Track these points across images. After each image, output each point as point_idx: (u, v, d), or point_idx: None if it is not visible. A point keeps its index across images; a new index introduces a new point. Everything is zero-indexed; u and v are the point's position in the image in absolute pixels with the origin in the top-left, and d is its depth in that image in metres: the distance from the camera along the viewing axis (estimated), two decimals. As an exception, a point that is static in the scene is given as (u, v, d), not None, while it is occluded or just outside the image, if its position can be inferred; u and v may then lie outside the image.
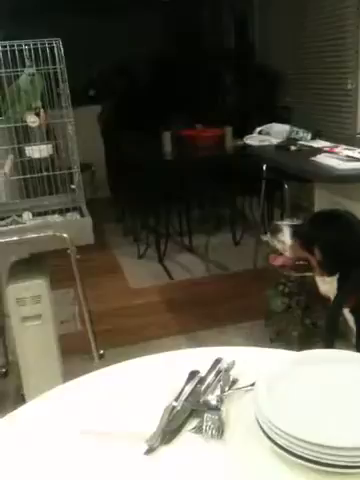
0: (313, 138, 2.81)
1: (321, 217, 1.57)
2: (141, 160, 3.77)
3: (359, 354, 0.98)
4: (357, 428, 0.73)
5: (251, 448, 0.76)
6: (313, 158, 2.32)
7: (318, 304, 2.42)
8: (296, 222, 1.62)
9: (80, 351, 2.33)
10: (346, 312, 1.45)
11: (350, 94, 4.03)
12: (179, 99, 6.52)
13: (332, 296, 1.47)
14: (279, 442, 0.72)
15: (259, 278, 3.00)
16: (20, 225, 1.97)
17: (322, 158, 2.29)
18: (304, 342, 2.42)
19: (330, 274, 1.46)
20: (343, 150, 2.38)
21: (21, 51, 1.79)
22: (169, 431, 0.80)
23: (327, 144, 2.60)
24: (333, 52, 4.20)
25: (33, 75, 1.79)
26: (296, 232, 1.53)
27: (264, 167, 3.27)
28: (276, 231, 1.55)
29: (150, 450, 0.77)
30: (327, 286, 1.49)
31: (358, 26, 3.83)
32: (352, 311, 1.43)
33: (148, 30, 7.43)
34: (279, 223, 1.60)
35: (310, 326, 2.45)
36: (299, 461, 0.70)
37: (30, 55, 1.79)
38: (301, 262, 1.54)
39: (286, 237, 1.53)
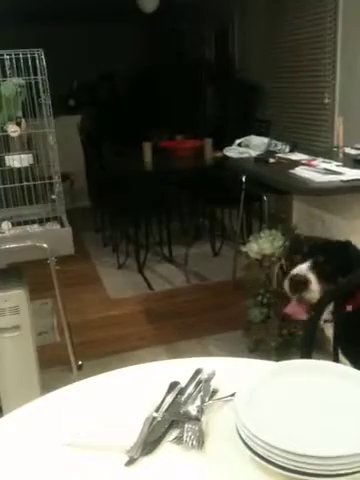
0: (291, 151, 2.84)
1: (335, 249, 1.53)
2: (121, 170, 3.78)
3: (336, 364, 1.00)
4: (336, 437, 0.74)
5: (231, 458, 0.77)
6: (291, 171, 2.35)
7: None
8: (310, 264, 1.47)
9: (59, 362, 2.31)
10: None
11: (327, 108, 4.12)
12: (159, 110, 6.56)
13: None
14: (259, 452, 0.73)
15: (238, 288, 3.02)
16: (-1, 235, 1.95)
17: (300, 171, 2.32)
18: (282, 353, 2.44)
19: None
20: (320, 163, 2.43)
21: (2, 61, 1.78)
22: (150, 442, 0.80)
23: (305, 157, 2.64)
24: (311, 67, 4.29)
25: (22, 87, 1.79)
26: (321, 274, 1.45)
27: (243, 179, 3.30)
28: (301, 283, 1.44)
29: (131, 461, 0.77)
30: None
31: (335, 42, 3.93)
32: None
33: (129, 42, 7.48)
34: (300, 273, 1.45)
35: (288, 337, 2.47)
36: (279, 471, 0.71)
37: (11, 65, 1.78)
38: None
39: (314, 285, 1.44)
